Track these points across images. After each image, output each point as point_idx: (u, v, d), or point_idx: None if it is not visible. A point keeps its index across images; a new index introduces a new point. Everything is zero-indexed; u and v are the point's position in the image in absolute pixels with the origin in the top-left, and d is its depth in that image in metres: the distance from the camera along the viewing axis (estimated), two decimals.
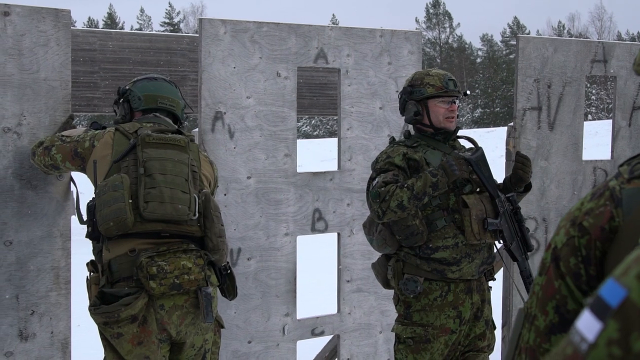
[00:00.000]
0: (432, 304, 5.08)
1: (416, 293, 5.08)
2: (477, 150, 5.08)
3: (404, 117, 5.28)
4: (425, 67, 7.83)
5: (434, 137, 5.14)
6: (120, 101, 4.99)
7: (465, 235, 4.98)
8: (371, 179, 5.05)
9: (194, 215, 4.51)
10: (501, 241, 5.09)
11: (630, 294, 1.10)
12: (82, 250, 4.65)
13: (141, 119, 4.84)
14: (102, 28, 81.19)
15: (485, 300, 5.19)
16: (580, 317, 1.20)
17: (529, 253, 5.14)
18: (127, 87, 4.98)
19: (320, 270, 11.91)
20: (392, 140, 5.24)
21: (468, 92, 5.66)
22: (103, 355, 4.51)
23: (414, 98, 5.14)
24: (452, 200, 5.03)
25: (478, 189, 5.11)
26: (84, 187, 5.32)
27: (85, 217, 4.62)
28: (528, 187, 5.26)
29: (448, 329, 5.07)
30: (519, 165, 5.12)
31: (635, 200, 1.64)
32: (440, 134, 5.14)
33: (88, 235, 4.54)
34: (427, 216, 5.04)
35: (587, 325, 1.17)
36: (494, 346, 5.27)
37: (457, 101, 5.21)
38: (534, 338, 1.73)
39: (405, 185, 4.86)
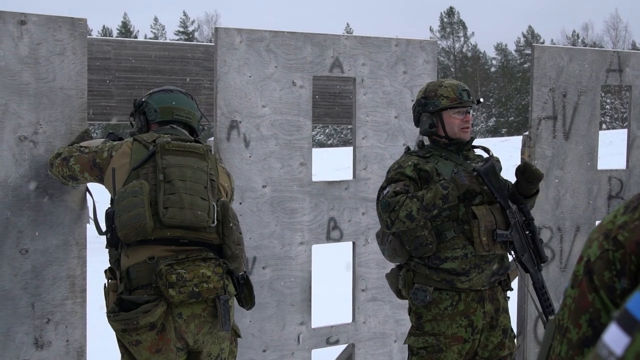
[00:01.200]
0: (443, 313, 5.07)
1: (425, 302, 5.07)
2: (487, 161, 5.05)
3: (418, 129, 5.27)
4: (440, 77, 7.82)
5: (447, 147, 5.12)
6: (137, 113, 5.00)
7: (474, 247, 4.96)
8: (382, 188, 5.04)
9: (213, 222, 4.51)
10: (512, 252, 5.07)
11: None
12: (97, 259, 4.65)
13: (158, 131, 4.84)
14: (117, 37, 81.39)
15: (500, 309, 5.16)
16: (608, 331, 1.19)
17: (542, 264, 5.12)
18: (143, 100, 4.98)
19: (335, 279, 11.89)
20: (407, 150, 5.24)
21: (481, 99, 5.64)
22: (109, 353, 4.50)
23: (428, 110, 5.13)
24: (462, 211, 5.01)
25: (490, 200, 5.08)
26: (99, 196, 5.32)
27: (103, 227, 4.63)
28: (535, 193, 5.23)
29: (461, 338, 5.05)
30: (522, 179, 5.10)
31: None
32: (453, 144, 5.12)
33: (107, 243, 4.53)
34: (436, 227, 5.02)
35: (615, 339, 1.16)
36: (515, 355, 5.24)
37: (472, 111, 5.21)
38: (566, 350, 1.71)
39: (415, 196, 4.85)
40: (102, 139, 5.04)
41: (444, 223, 5.02)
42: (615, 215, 1.70)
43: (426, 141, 5.33)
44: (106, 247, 4.57)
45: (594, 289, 1.67)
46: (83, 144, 4.96)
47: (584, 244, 1.76)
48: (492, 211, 5.00)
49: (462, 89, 5.10)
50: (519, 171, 5.07)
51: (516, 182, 5.13)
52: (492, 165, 5.01)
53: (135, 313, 4.28)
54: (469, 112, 5.14)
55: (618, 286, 1.64)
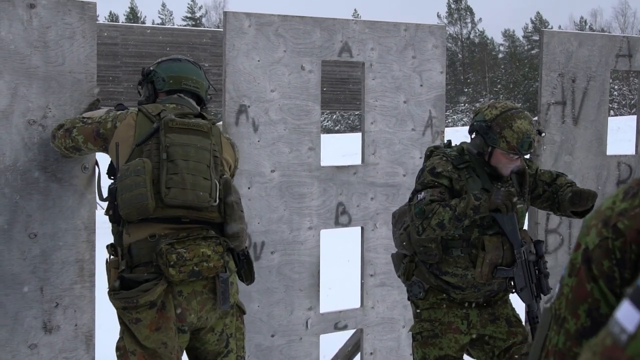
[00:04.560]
0: (440, 302, 5.11)
1: (418, 297, 5.13)
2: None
3: (470, 139, 5.19)
4: (448, 64, 7.77)
5: (485, 166, 5.07)
6: (145, 82, 5.00)
7: (474, 273, 4.97)
8: (416, 191, 5.00)
9: (215, 201, 4.51)
10: (512, 284, 5.06)
11: None
12: (106, 243, 4.65)
13: (165, 100, 4.83)
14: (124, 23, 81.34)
15: (499, 302, 5.19)
16: (620, 308, 1.18)
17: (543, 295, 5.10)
18: (151, 68, 4.97)
19: (343, 264, 11.91)
20: (445, 146, 5.22)
21: (544, 134, 5.59)
22: (118, 337, 4.52)
23: (487, 140, 5.04)
24: (475, 235, 4.99)
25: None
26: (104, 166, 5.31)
27: (105, 196, 4.64)
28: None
29: (457, 328, 5.07)
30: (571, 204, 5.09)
31: None
32: (492, 168, 5.07)
33: (109, 217, 4.55)
34: (446, 241, 5.02)
35: (627, 315, 1.16)
36: (527, 336, 5.23)
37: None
38: (563, 341, 1.68)
39: (449, 205, 4.83)
40: (106, 109, 5.04)
41: (455, 240, 5.02)
42: (614, 202, 1.66)
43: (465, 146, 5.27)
44: (105, 214, 4.59)
45: (593, 278, 1.64)
46: (86, 114, 4.96)
47: (580, 230, 1.72)
48: (502, 244, 4.97)
49: (526, 140, 4.92)
50: (571, 202, 5.07)
51: (570, 197, 5.09)
52: (512, 216, 4.98)
53: (135, 292, 4.30)
54: (521, 156, 5.08)
55: (617, 275, 1.60)
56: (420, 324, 5.17)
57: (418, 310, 5.21)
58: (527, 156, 5.48)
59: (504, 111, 5.03)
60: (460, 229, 4.91)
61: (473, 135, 5.13)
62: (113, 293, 4.38)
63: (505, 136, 4.91)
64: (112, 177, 4.68)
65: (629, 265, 1.59)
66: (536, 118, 6.93)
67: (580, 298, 1.65)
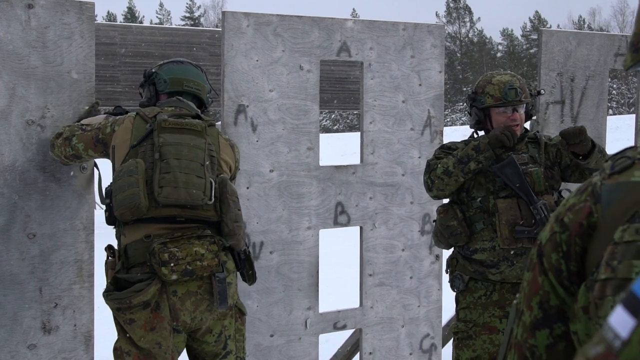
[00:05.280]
0: (477, 302, 5.12)
1: (459, 290, 5.14)
2: (507, 158, 5.04)
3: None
4: (447, 63, 7.79)
5: None
6: (146, 84, 5.00)
7: (498, 240, 4.97)
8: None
9: (210, 200, 4.51)
10: None
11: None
12: (105, 243, 4.66)
13: (165, 103, 4.85)
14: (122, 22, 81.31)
15: None
16: (613, 313, 1.18)
17: None
18: (153, 70, 4.98)
19: (342, 264, 11.91)
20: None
21: (542, 91, 5.62)
22: (115, 339, 4.53)
23: (476, 105, 5.15)
24: (492, 202, 5.02)
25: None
26: (106, 169, 5.32)
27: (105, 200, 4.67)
28: (588, 154, 5.07)
29: (494, 328, 5.07)
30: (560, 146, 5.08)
31: (613, 195, 1.61)
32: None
33: (107, 221, 4.57)
34: (469, 217, 5.06)
35: (620, 321, 1.15)
36: None
37: (522, 108, 5.17)
38: (521, 333, 1.73)
39: (451, 154, 4.98)
40: (104, 115, 5.05)
41: (476, 214, 5.06)
42: (568, 199, 1.72)
43: (477, 133, 5.35)
44: (106, 223, 4.61)
45: (544, 271, 1.69)
46: (84, 121, 4.98)
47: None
48: (519, 205, 4.98)
49: (509, 87, 5.06)
50: (562, 142, 5.03)
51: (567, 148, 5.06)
52: (511, 161, 4.99)
53: (128, 292, 4.32)
54: (516, 110, 5.12)
55: (564, 268, 1.65)
56: (456, 323, 5.23)
57: (457, 308, 5.26)
58: (530, 122, 5.47)
59: (482, 77, 5.29)
60: (468, 174, 4.96)
61: (470, 116, 5.24)
62: (107, 294, 4.39)
63: (488, 91, 5.08)
64: None
65: (574, 258, 1.65)
66: (535, 117, 6.94)
67: (534, 291, 1.71)
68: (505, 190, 5.01)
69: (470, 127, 5.31)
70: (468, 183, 5.09)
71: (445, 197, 5.25)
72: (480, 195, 5.07)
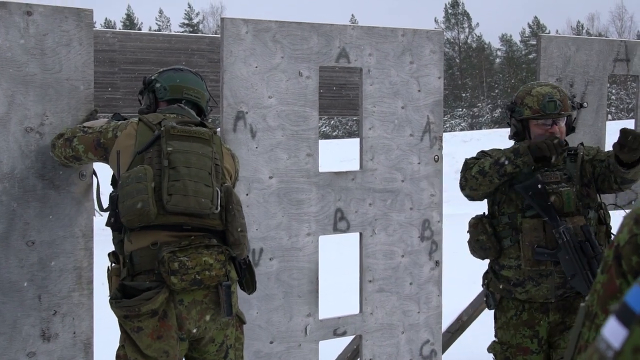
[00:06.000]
0: (509, 322, 5.12)
1: (492, 308, 5.16)
2: (532, 177, 5.02)
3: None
4: (446, 68, 7.79)
5: None
6: (146, 91, 5.00)
7: (522, 260, 4.96)
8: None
9: (217, 208, 4.51)
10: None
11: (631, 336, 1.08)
12: (104, 251, 4.66)
13: (165, 110, 4.84)
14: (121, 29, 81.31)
15: (568, 314, 5.10)
16: (607, 324, 1.18)
17: None
18: (152, 77, 4.99)
19: (342, 271, 11.89)
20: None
21: (585, 104, 5.55)
22: (118, 345, 4.51)
23: (515, 116, 5.13)
24: (519, 221, 5.00)
25: None
26: (104, 176, 5.31)
27: (105, 206, 4.68)
28: (633, 164, 4.83)
29: (527, 349, 5.05)
30: (617, 146, 4.79)
31: None
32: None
33: (110, 225, 4.55)
34: (499, 232, 5.04)
35: (613, 332, 1.15)
36: None
37: (562, 121, 5.11)
38: (594, 337, 1.69)
39: (490, 155, 5.01)
40: (106, 119, 5.05)
41: (504, 230, 5.05)
42: None
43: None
44: (106, 225, 4.59)
45: (622, 274, 1.65)
46: (86, 124, 4.96)
47: (617, 230, 1.74)
48: (544, 226, 4.92)
49: (548, 100, 5.01)
50: (619, 142, 4.75)
51: (615, 154, 4.86)
52: (535, 181, 4.94)
53: (137, 300, 4.29)
54: (556, 123, 5.07)
55: None
56: (494, 344, 5.24)
57: (495, 326, 5.29)
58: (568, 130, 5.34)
59: (523, 87, 5.24)
60: (504, 176, 4.94)
61: (510, 128, 5.26)
62: (114, 301, 4.37)
63: (527, 103, 5.04)
64: (115, 187, 4.68)
65: None
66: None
67: (610, 294, 1.67)
68: (532, 210, 4.97)
69: (509, 138, 5.29)
70: (500, 197, 5.07)
71: (478, 199, 5.22)
72: (510, 211, 5.05)
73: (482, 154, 5.22)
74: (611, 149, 4.93)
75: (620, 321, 1.14)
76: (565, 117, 5.14)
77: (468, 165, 5.07)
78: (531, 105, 5.02)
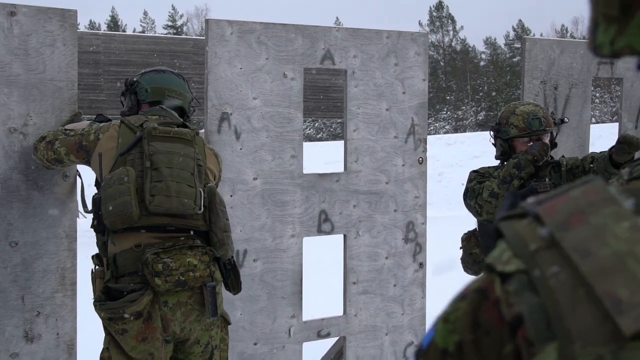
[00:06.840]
0: None
1: None
2: (527, 186, 5.09)
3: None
4: (430, 72, 7.80)
5: None
6: (128, 93, 4.99)
7: None
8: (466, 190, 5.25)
9: (200, 209, 4.50)
10: None
11: (434, 337, 1.09)
12: (88, 252, 4.65)
13: (147, 112, 4.83)
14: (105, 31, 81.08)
15: None
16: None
17: None
18: (134, 79, 4.97)
19: (326, 272, 11.88)
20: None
21: (566, 119, 5.66)
22: (102, 348, 4.50)
23: (500, 136, 5.21)
24: None
25: None
26: (88, 178, 5.30)
27: (90, 208, 4.64)
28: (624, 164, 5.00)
29: None
30: (619, 151, 5.00)
31: None
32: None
33: (93, 228, 4.54)
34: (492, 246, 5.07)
35: None
36: None
37: (547, 137, 5.23)
38: None
39: (492, 176, 5.08)
40: (88, 122, 5.03)
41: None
42: None
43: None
44: (91, 227, 4.58)
45: None
46: (68, 126, 4.94)
47: None
48: None
49: (532, 118, 5.15)
50: (619, 143, 4.99)
51: (613, 148, 5.04)
52: (531, 189, 5.03)
53: (121, 302, 4.29)
54: (541, 139, 5.18)
55: None
56: None
57: None
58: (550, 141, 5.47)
59: (506, 107, 5.36)
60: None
61: (495, 146, 5.33)
62: (99, 304, 4.36)
63: (512, 122, 5.14)
64: (98, 189, 4.67)
65: None
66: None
67: None
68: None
69: (496, 159, 5.39)
70: (492, 209, 5.11)
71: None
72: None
73: (479, 175, 5.27)
74: (594, 151, 5.08)
75: (414, 355, 1.16)
76: (549, 134, 5.25)
77: (476, 191, 5.11)
78: (517, 124, 5.13)
